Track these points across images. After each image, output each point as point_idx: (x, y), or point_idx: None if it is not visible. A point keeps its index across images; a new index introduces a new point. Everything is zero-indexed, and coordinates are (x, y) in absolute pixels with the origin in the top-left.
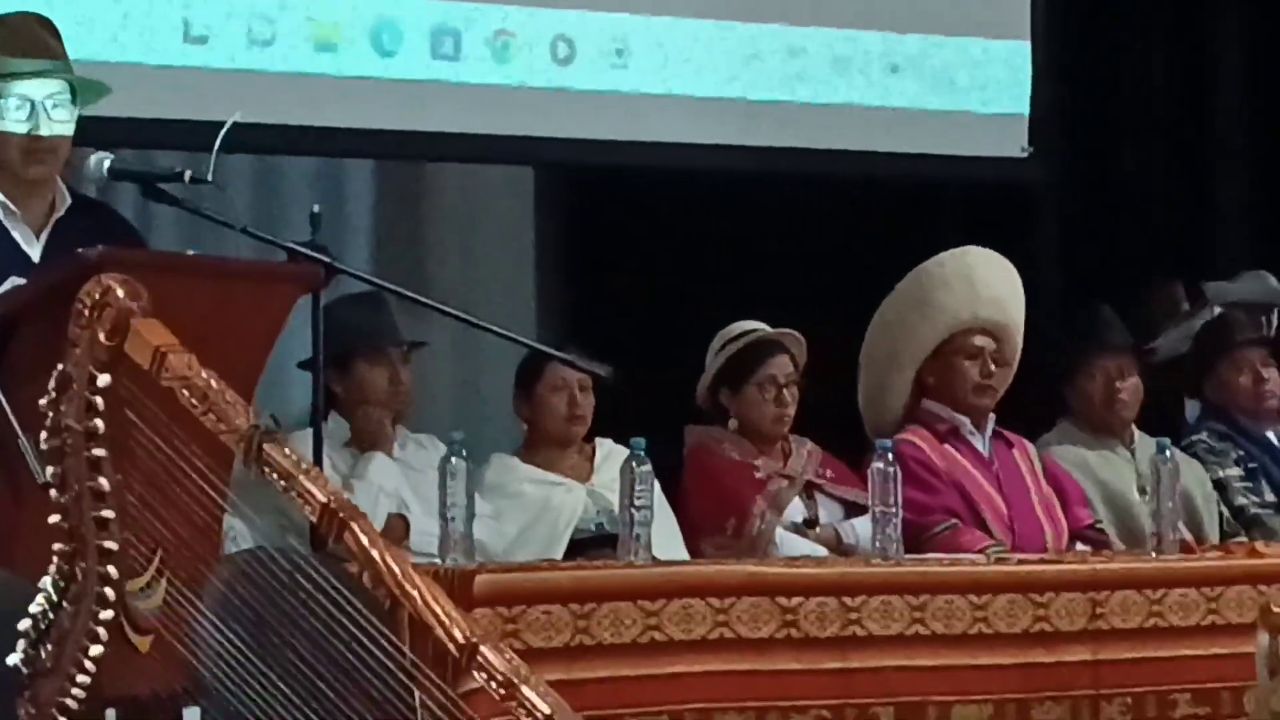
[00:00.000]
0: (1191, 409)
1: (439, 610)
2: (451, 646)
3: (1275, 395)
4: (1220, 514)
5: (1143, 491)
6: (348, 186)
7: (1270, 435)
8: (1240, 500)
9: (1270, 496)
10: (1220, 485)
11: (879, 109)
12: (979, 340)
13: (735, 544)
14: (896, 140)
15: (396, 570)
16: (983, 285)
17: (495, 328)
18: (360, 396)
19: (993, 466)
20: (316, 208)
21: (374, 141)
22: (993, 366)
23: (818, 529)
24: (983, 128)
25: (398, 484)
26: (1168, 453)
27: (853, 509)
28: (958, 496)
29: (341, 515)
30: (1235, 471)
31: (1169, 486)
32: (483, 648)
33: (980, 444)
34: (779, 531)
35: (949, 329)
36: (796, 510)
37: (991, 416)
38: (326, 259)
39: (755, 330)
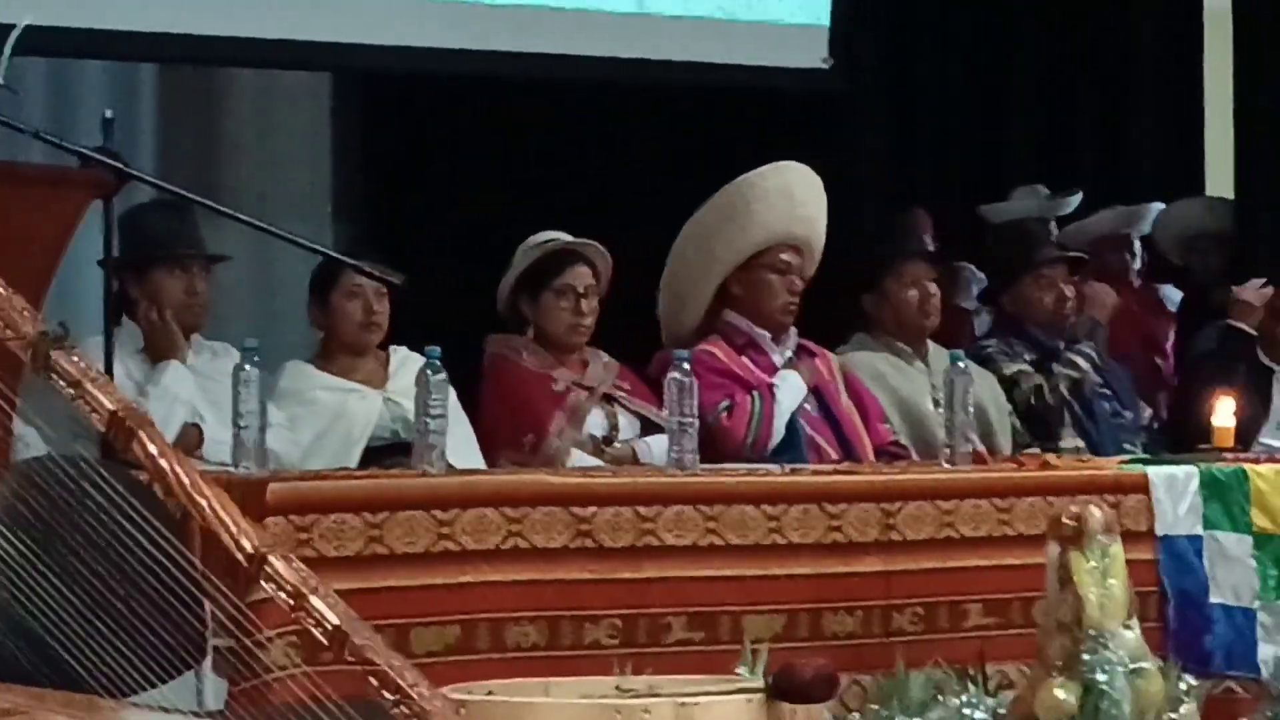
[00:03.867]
0: (980, 324)
1: (227, 519)
2: (240, 556)
3: (1074, 312)
4: (1013, 426)
5: (937, 403)
6: (142, 92)
7: (1060, 345)
8: (1031, 384)
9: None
10: (1012, 381)
11: (681, 19)
12: (788, 256)
13: (532, 460)
14: (698, 50)
15: (185, 479)
16: (799, 203)
17: (290, 235)
18: (156, 304)
19: None
20: (109, 113)
21: (168, 46)
22: (798, 284)
23: (615, 445)
24: (783, 38)
25: (192, 393)
26: (962, 364)
27: (648, 425)
28: (743, 390)
29: (129, 423)
30: (1026, 366)
31: (962, 398)
32: (271, 557)
33: (779, 358)
34: (574, 453)
35: (763, 243)
36: (597, 423)
37: (793, 330)
38: (118, 164)
39: (556, 239)
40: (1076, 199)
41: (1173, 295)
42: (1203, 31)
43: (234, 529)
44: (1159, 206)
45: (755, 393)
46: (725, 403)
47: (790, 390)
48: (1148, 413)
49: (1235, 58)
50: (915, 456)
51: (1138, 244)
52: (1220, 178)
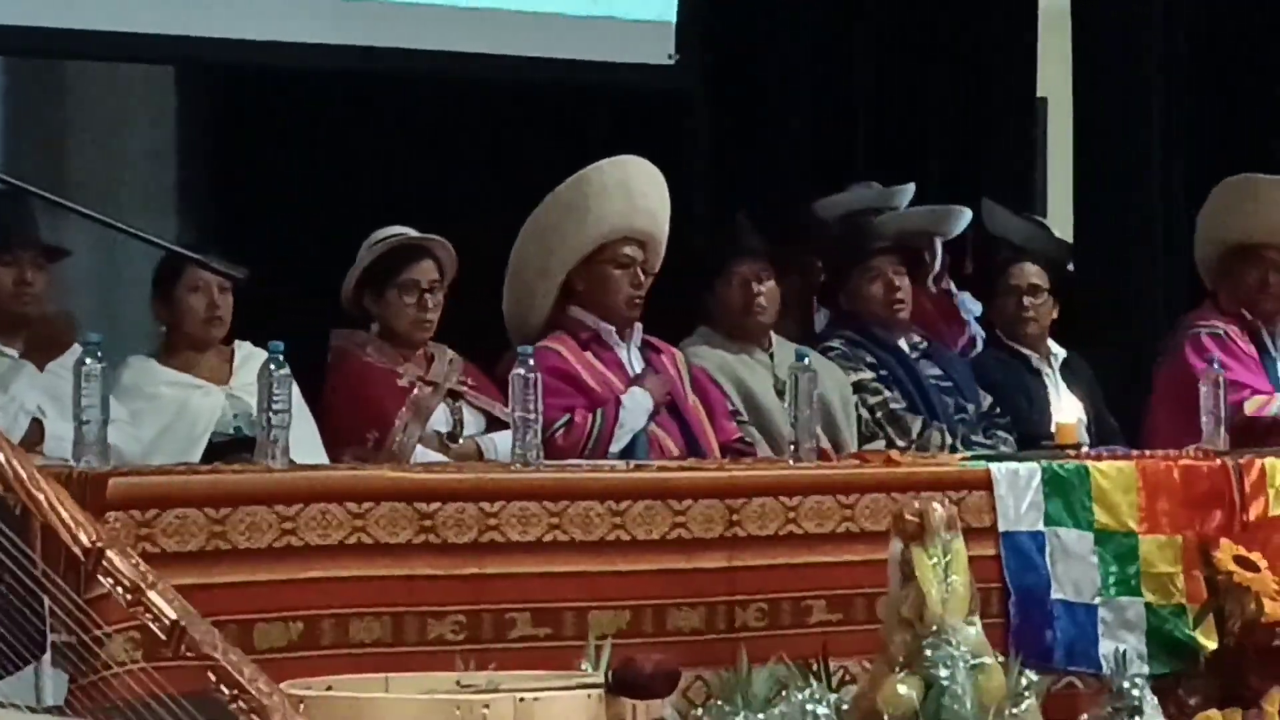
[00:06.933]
0: (820, 319)
1: (65, 514)
2: (77, 551)
3: (906, 304)
4: (859, 417)
5: (781, 394)
6: None
7: (901, 343)
8: (878, 398)
9: (902, 403)
10: (858, 386)
11: (527, 13)
12: (630, 250)
13: (376, 456)
14: (544, 45)
15: (22, 473)
16: (639, 196)
17: (132, 229)
18: None
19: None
20: None
21: (10, 38)
22: (642, 277)
23: (460, 441)
24: (629, 34)
25: (40, 399)
26: (806, 360)
27: (493, 421)
28: (585, 400)
29: None
30: (869, 375)
31: (807, 394)
32: (109, 552)
33: (625, 353)
34: (418, 449)
35: (604, 237)
36: (441, 419)
37: (638, 325)
38: None
39: (400, 234)
40: (910, 191)
41: (971, 305)
42: (1037, 30)
43: (71, 523)
44: (967, 211)
45: (599, 412)
46: (564, 418)
47: (636, 413)
48: (987, 401)
49: (1074, 56)
50: (763, 449)
51: (939, 246)
52: (1059, 177)
